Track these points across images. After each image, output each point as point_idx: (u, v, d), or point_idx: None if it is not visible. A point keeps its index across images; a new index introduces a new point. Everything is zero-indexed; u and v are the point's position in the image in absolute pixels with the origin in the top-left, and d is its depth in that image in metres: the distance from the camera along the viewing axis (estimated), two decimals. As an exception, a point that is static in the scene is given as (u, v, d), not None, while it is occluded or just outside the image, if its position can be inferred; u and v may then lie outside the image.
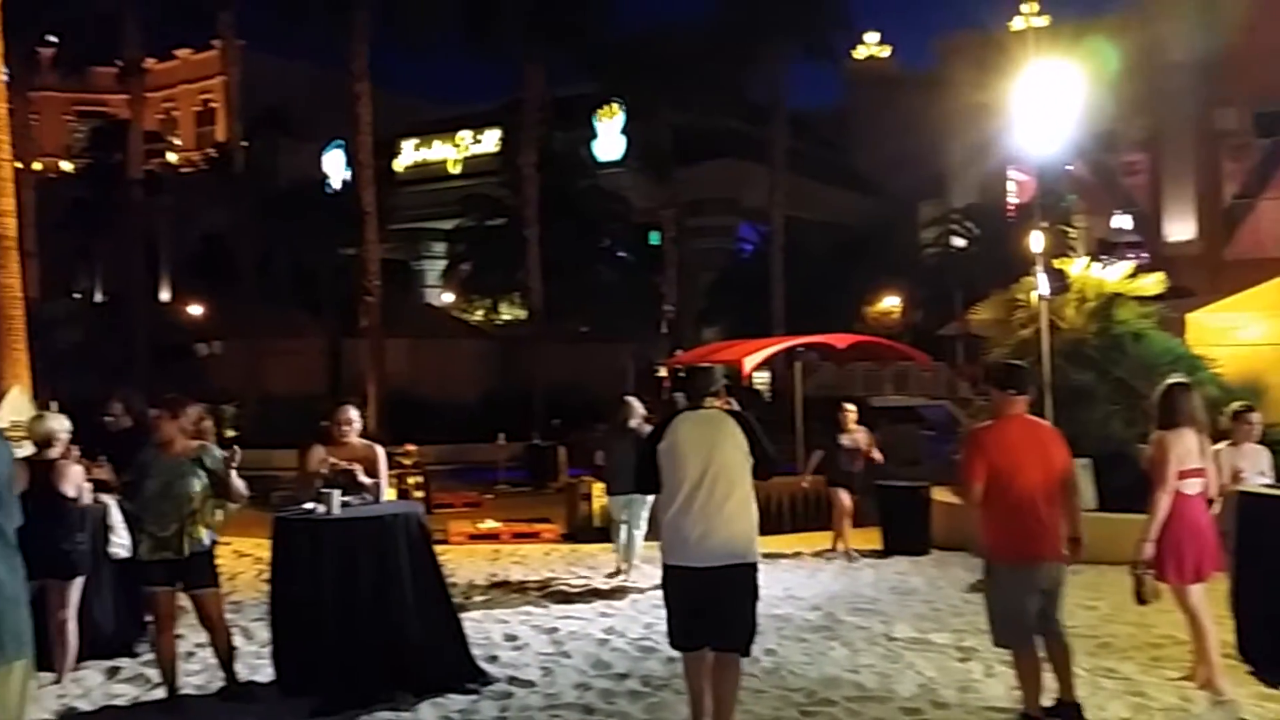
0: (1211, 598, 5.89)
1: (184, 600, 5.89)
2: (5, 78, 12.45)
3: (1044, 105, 10.26)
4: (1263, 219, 33.01)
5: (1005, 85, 11.76)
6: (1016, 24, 29.66)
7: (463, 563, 10.39)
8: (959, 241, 37.75)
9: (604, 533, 11.52)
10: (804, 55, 33.25)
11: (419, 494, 14.63)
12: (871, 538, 11.09)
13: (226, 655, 6.01)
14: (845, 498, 10.73)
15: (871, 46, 51.69)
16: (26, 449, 6.15)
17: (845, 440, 10.81)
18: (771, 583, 8.70)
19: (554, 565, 10.55)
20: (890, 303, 36.08)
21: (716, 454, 4.99)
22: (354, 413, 6.70)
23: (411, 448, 15.93)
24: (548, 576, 9.84)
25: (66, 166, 49.07)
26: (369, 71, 24.95)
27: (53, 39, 36.05)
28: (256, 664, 6.56)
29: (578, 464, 17.20)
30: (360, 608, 5.81)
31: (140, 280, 30.95)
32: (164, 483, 5.71)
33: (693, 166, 34.47)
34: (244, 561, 10.47)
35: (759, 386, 29.76)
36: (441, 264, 39.89)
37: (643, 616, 7.88)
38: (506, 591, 9.10)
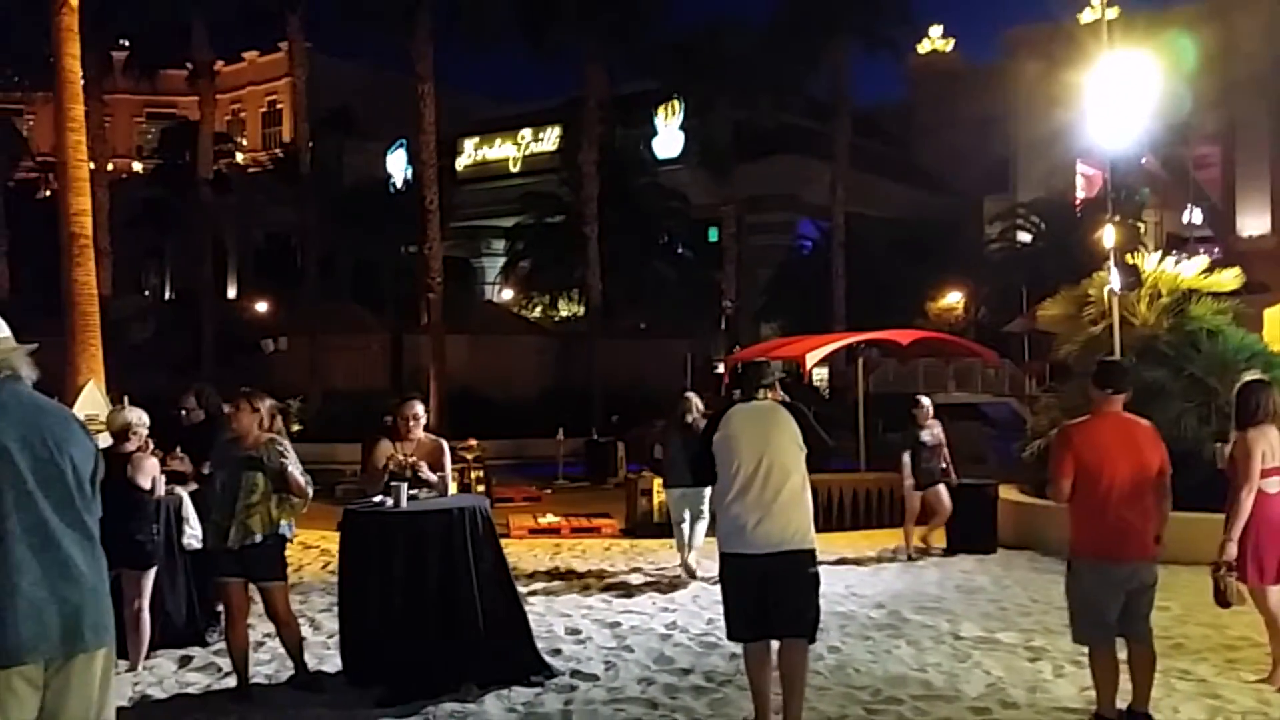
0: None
1: (255, 592, 5.99)
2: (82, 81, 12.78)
3: (1118, 98, 10.05)
4: (1340, 213, 32.12)
5: (1075, 78, 11.57)
6: (1086, 16, 29.14)
7: (523, 556, 10.45)
8: (1024, 237, 37.19)
9: (663, 528, 11.51)
10: (866, 50, 32.89)
11: (480, 488, 14.77)
12: (936, 535, 10.95)
13: (295, 647, 6.08)
14: (945, 498, 10.30)
15: (935, 40, 51.11)
16: (104, 441, 6.29)
17: (926, 436, 10.38)
18: (833, 580, 8.65)
19: (614, 560, 10.57)
20: (953, 299, 35.64)
21: (770, 443, 5.09)
22: (420, 407, 6.66)
23: (474, 442, 16.10)
24: (608, 571, 9.86)
25: (137, 167, 50.29)
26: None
27: (125, 43, 36.95)
28: (324, 654, 6.65)
29: (636, 460, 17.23)
30: (427, 600, 5.85)
31: (208, 278, 31.60)
32: (232, 474, 5.80)
33: (752, 163, 34.35)
34: (310, 553, 10.62)
35: (817, 383, 29.57)
36: (501, 261, 40.20)
37: (704, 612, 7.85)
38: (568, 585, 9.13)
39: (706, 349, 31.68)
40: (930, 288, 35.06)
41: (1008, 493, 11.46)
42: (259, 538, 5.75)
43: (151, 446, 6.45)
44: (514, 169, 45.67)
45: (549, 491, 17.56)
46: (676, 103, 39.31)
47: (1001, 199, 40.27)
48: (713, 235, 36.40)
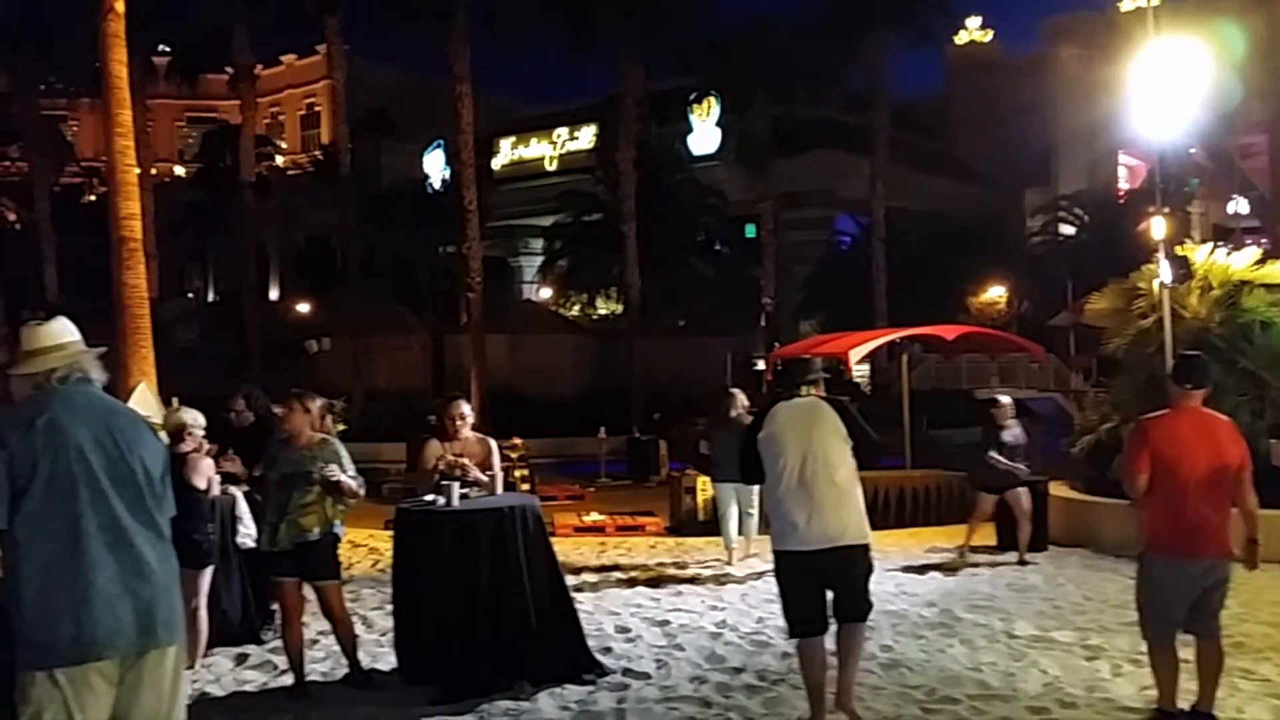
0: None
1: (308, 591, 6.03)
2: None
3: (1165, 87, 9.86)
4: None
5: (1116, 67, 11.36)
6: (1126, 4, 28.73)
7: (569, 554, 10.45)
8: (1067, 229, 36.77)
9: (708, 526, 11.49)
10: (904, 42, 32.63)
11: (525, 486, 14.80)
12: (986, 533, 10.82)
13: (350, 645, 6.13)
14: (1026, 499, 9.93)
15: (973, 31, 50.64)
16: (159, 442, 6.36)
17: (1007, 436, 9.93)
18: (883, 579, 8.56)
19: (660, 558, 10.56)
20: (995, 293, 35.31)
21: (815, 439, 5.12)
22: (466, 406, 6.66)
23: (518, 441, 16.16)
24: (655, 568, 9.85)
25: (179, 171, 50.92)
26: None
27: (166, 49, 37.45)
28: (378, 652, 6.70)
29: (678, 458, 17.19)
30: (479, 598, 5.87)
31: (251, 280, 31.94)
32: (284, 474, 5.85)
33: (789, 158, 34.18)
34: (359, 552, 10.70)
35: (858, 380, 29.38)
36: (539, 260, 40.31)
37: (754, 611, 7.83)
38: (615, 583, 9.13)
39: (746, 346, 31.57)
40: (971, 282, 34.76)
41: (1058, 489, 11.31)
42: (314, 535, 5.80)
43: (206, 447, 6.52)
44: (550, 168, 45.77)
45: (592, 490, 17.57)
46: (713, 99, 39.21)
47: (1042, 191, 39.84)
48: (750, 232, 36.25)
